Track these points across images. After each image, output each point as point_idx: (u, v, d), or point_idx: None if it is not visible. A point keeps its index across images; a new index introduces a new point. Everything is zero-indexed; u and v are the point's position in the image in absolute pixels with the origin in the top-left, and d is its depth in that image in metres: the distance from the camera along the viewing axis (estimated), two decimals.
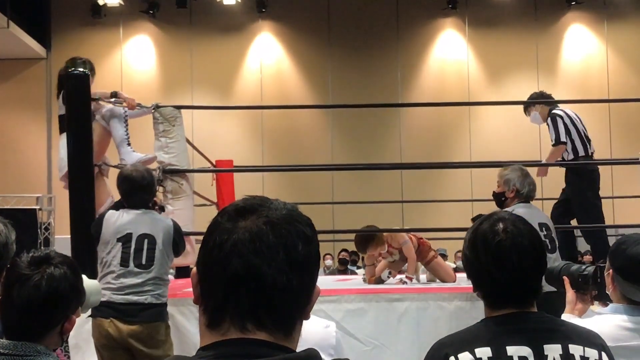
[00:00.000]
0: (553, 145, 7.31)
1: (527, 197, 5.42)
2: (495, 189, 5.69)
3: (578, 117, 7.52)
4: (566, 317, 3.06)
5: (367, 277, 7.39)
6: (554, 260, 5.05)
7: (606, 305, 2.93)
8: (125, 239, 4.84)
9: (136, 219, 4.91)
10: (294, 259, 1.31)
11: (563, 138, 7.20)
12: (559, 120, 7.31)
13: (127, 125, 6.57)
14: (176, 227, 5.00)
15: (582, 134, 7.35)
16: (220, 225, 1.33)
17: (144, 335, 4.72)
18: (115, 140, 6.61)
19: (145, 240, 4.83)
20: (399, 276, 7.18)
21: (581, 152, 7.32)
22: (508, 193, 5.44)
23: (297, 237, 1.33)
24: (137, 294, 4.72)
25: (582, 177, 7.21)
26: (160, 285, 4.87)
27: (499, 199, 5.55)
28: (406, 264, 7.24)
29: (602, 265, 2.96)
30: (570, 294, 3.09)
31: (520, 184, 5.40)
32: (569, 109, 7.63)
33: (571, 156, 7.32)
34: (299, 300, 1.34)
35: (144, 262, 4.81)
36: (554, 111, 7.46)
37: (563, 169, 7.56)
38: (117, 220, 4.94)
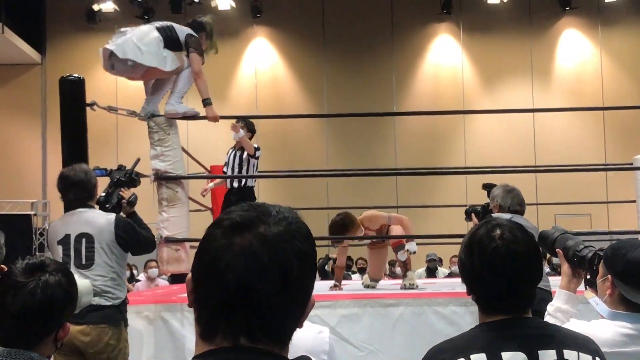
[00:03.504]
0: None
1: (511, 210, 5.49)
2: None
3: None
4: (562, 294, 3.08)
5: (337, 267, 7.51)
6: None
7: (596, 292, 2.92)
8: (64, 241, 4.75)
9: (73, 219, 4.81)
10: (289, 279, 1.30)
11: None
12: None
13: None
14: (119, 222, 4.82)
15: None
16: (216, 240, 1.31)
17: (91, 337, 4.57)
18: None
19: (83, 240, 4.72)
20: (406, 249, 7.26)
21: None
22: (493, 208, 5.61)
23: (293, 256, 1.31)
24: None
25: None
26: (110, 286, 4.73)
27: (486, 212, 5.81)
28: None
29: (600, 252, 2.93)
30: (565, 266, 3.07)
31: (502, 199, 5.54)
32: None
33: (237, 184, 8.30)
34: (294, 316, 1.34)
35: (83, 262, 4.70)
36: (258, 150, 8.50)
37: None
38: (57, 224, 4.90)
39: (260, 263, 1.28)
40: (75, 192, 4.86)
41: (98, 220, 4.81)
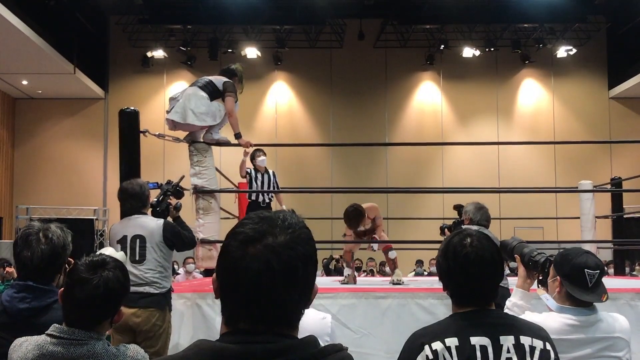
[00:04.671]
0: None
1: (479, 224, 5.51)
2: None
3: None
4: (518, 292, 3.07)
5: (346, 249, 7.50)
6: None
7: (547, 290, 2.92)
8: (122, 241, 4.80)
9: (130, 223, 4.85)
10: (296, 279, 1.29)
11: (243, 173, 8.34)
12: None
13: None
14: (167, 227, 4.86)
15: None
16: (233, 252, 1.30)
17: (141, 318, 4.62)
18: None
19: (137, 240, 4.76)
20: (374, 245, 7.38)
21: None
22: (465, 220, 5.61)
23: (297, 260, 1.29)
24: (137, 285, 4.59)
25: None
26: (158, 277, 4.77)
27: (460, 224, 5.85)
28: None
29: (551, 258, 2.93)
30: (521, 269, 3.07)
31: (473, 214, 5.57)
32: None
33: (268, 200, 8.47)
34: (301, 305, 1.33)
35: (137, 258, 4.73)
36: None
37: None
38: (117, 227, 4.94)
39: (270, 268, 1.26)
40: (132, 201, 4.91)
41: (149, 225, 4.84)
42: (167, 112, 6.33)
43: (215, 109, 6.25)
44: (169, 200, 5.13)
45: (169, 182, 5.30)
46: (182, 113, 6.15)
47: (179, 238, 4.91)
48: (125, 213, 4.96)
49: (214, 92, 6.34)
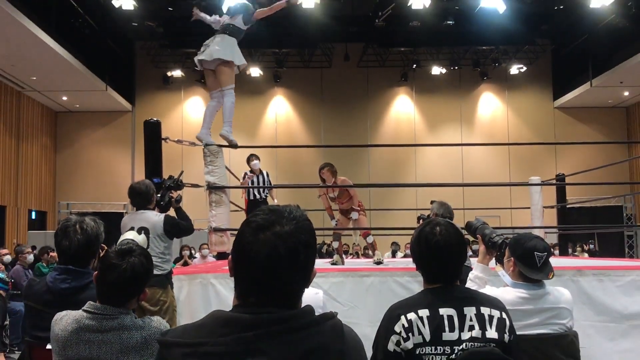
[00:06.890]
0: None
1: (443, 217, 5.49)
2: None
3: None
4: (479, 266, 3.07)
5: (324, 199, 7.27)
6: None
7: (503, 267, 2.92)
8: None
9: (137, 217, 4.85)
10: (299, 263, 1.31)
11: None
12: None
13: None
14: (167, 220, 4.84)
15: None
16: (246, 237, 1.31)
17: (147, 295, 4.58)
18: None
19: (143, 231, 4.75)
20: (353, 214, 7.10)
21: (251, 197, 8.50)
22: (432, 215, 5.60)
23: (300, 246, 1.30)
24: None
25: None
26: (159, 262, 4.72)
27: (427, 218, 5.85)
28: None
29: (506, 240, 2.94)
30: (482, 247, 3.07)
31: (437, 209, 5.49)
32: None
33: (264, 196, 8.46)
34: (302, 285, 1.35)
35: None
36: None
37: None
38: (126, 219, 4.95)
39: (277, 252, 1.28)
40: (138, 199, 4.90)
41: (152, 219, 4.83)
42: (198, 53, 6.32)
43: (240, 54, 6.22)
44: (170, 194, 5.09)
45: (170, 177, 5.23)
46: (210, 54, 6.17)
47: (177, 228, 4.89)
48: (135, 208, 4.96)
49: (235, 32, 6.30)
